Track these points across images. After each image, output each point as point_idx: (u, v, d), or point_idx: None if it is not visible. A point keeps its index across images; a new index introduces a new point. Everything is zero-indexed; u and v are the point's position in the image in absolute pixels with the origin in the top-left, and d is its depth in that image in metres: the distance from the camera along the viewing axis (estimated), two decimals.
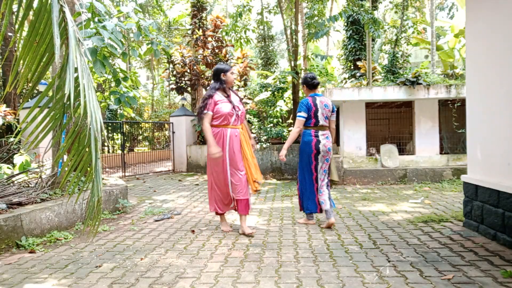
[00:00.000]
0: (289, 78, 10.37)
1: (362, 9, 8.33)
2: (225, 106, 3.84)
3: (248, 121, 10.19)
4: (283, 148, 4.19)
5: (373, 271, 2.79)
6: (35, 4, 1.78)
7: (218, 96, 3.89)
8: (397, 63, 11.07)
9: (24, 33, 1.90)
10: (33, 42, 1.70)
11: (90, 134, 1.67)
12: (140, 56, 5.87)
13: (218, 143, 3.83)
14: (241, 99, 4.12)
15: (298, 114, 4.17)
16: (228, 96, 3.94)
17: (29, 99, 8.48)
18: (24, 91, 11.22)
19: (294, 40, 9.46)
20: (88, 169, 1.92)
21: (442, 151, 8.02)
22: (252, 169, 3.92)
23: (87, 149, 1.84)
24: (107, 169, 11.26)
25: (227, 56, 11.54)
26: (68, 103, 1.65)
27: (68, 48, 1.66)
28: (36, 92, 11.71)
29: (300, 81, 4.39)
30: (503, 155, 3.34)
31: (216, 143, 3.80)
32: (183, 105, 14.06)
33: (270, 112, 10.14)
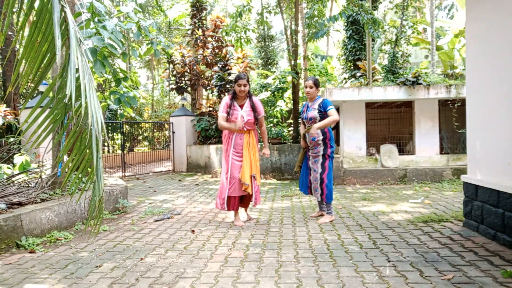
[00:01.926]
0: (289, 78, 10.38)
1: (362, 9, 8.33)
2: (235, 114, 4.33)
3: None
4: (315, 127, 4.24)
5: (373, 271, 2.79)
6: (36, 4, 1.78)
7: (231, 103, 4.38)
8: (397, 63, 11.07)
9: (25, 34, 1.90)
10: (35, 42, 1.70)
11: (91, 134, 1.68)
12: (140, 56, 5.87)
13: (225, 143, 4.38)
14: (253, 108, 4.36)
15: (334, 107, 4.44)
16: (239, 105, 4.37)
17: (29, 99, 8.48)
18: (24, 91, 11.22)
19: (294, 40, 9.46)
20: (89, 169, 1.92)
21: (442, 151, 8.03)
22: (248, 169, 4.29)
23: (87, 150, 1.84)
24: (107, 169, 11.26)
25: (227, 56, 11.54)
26: (69, 103, 1.66)
27: (69, 49, 1.67)
28: (35, 92, 11.71)
29: (307, 82, 4.48)
30: (503, 155, 3.34)
31: (228, 132, 4.44)
32: (183, 105, 14.06)
33: (270, 112, 10.14)
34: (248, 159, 4.29)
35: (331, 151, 4.39)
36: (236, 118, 4.28)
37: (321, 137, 4.36)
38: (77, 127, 1.77)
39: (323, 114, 4.38)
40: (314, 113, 4.41)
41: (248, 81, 4.34)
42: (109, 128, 13.59)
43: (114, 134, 14.20)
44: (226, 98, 4.42)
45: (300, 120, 4.68)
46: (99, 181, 1.76)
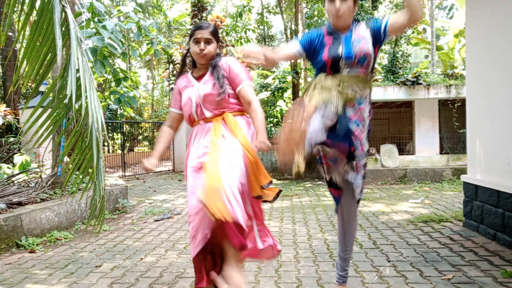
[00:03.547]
0: (289, 78, 10.38)
1: (362, 9, 8.34)
2: (186, 94, 2.30)
3: None
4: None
5: (373, 271, 2.79)
6: (37, 5, 1.79)
7: (183, 80, 2.38)
8: (397, 63, 11.06)
9: (25, 34, 1.90)
10: (36, 42, 1.71)
11: (92, 134, 1.68)
12: (140, 56, 5.87)
13: (188, 144, 2.38)
14: (218, 76, 2.22)
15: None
16: (196, 78, 2.33)
17: (30, 99, 8.47)
18: (25, 91, 11.22)
19: None
20: (90, 170, 1.92)
21: (442, 151, 8.03)
22: (217, 182, 1.94)
23: (88, 150, 1.85)
24: (107, 169, 11.26)
25: (228, 56, 11.58)
26: (70, 103, 1.66)
27: (70, 49, 1.67)
28: (36, 92, 11.70)
29: None
30: (503, 155, 3.34)
31: (158, 153, 2.35)
32: None
33: (270, 112, 10.15)
34: (215, 161, 2.01)
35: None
36: (190, 99, 2.25)
37: (366, 129, 2.24)
38: (78, 127, 1.78)
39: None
40: (367, 45, 2.03)
41: (215, 36, 2.29)
42: (109, 128, 13.59)
43: (114, 134, 14.20)
44: (179, 80, 2.42)
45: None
46: (100, 181, 1.76)
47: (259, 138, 2.06)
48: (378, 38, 2.07)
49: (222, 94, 2.17)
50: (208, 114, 2.25)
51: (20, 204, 4.04)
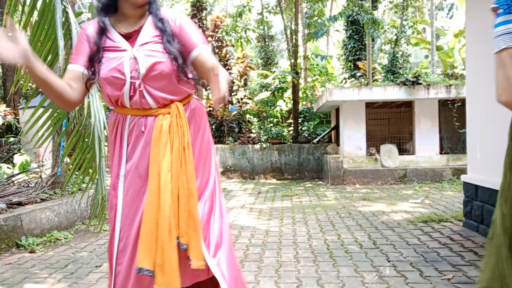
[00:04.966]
0: (289, 78, 10.39)
1: (362, 9, 8.34)
2: (112, 63, 1.43)
3: (248, 121, 10.16)
4: None
5: (373, 271, 2.79)
6: (38, 5, 1.79)
7: (105, 36, 1.48)
8: (397, 63, 11.08)
9: (26, 35, 1.90)
10: (37, 42, 1.71)
11: (94, 133, 1.68)
12: None
13: (111, 150, 1.57)
14: (166, 34, 1.45)
15: None
16: (125, 35, 1.48)
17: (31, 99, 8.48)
18: (25, 91, 11.22)
19: (294, 40, 9.47)
20: (91, 170, 1.93)
21: (442, 151, 8.03)
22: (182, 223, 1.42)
23: (88, 150, 1.85)
24: (107, 169, 11.25)
25: (227, 56, 11.57)
26: None
27: (71, 49, 1.67)
28: (37, 92, 11.69)
29: None
30: (503, 155, 3.34)
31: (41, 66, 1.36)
32: None
33: (270, 112, 10.15)
34: (156, 195, 1.37)
35: None
36: (121, 72, 1.41)
37: None
38: (79, 126, 1.78)
39: None
40: None
41: None
42: None
43: None
44: (87, 26, 1.52)
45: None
46: (102, 180, 1.77)
47: (219, 89, 1.30)
48: None
49: (183, 67, 1.45)
50: (151, 101, 1.45)
51: (20, 204, 4.05)
